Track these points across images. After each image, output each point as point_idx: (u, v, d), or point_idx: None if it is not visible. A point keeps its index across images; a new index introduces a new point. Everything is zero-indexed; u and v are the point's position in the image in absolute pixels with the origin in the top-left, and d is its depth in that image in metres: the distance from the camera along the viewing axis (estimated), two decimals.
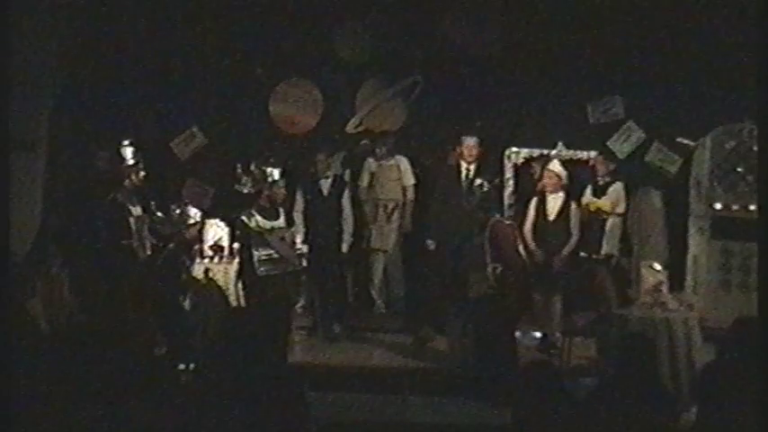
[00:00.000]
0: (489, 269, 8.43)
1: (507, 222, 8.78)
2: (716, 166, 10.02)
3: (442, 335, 9.22)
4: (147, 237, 8.53)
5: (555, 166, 9.52)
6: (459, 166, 9.85)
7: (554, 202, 9.42)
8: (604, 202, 9.79)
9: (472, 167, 9.74)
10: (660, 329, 8.09)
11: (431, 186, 10.35)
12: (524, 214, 9.60)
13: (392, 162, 10.48)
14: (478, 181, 9.10)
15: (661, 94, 10.72)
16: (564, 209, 9.39)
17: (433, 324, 9.58)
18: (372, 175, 10.61)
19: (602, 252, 9.58)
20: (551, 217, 9.39)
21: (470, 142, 9.80)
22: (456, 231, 9.37)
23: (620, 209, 9.95)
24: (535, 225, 9.42)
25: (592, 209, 9.66)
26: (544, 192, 9.48)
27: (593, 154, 10.56)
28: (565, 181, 9.49)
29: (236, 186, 9.85)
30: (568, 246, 9.31)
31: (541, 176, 9.61)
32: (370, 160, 10.63)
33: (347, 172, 10.77)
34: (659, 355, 7.48)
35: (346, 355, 9.24)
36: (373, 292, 10.63)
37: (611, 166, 10.15)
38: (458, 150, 9.94)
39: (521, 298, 8.70)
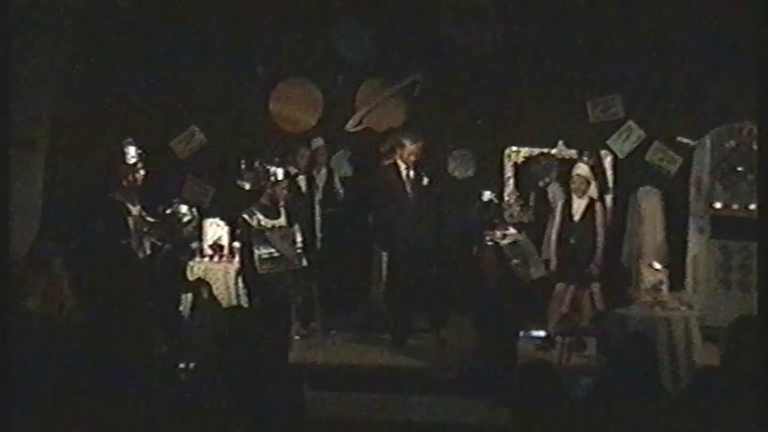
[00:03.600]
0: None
1: (492, 245, 8.74)
2: (716, 165, 10.03)
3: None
4: (147, 236, 8.51)
5: (582, 170, 9.51)
6: (397, 166, 9.79)
7: (579, 204, 9.43)
8: None
9: (411, 168, 9.71)
10: (660, 329, 8.11)
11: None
12: (551, 218, 9.64)
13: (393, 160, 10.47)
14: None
15: (661, 93, 10.73)
16: (588, 209, 9.39)
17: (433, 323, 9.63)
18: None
19: None
20: (576, 218, 9.41)
21: (411, 146, 9.70)
22: (407, 231, 9.53)
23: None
24: (561, 227, 9.45)
25: None
26: (571, 195, 9.51)
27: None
28: (592, 183, 9.51)
29: (238, 182, 9.85)
30: (599, 247, 9.32)
31: (568, 180, 9.66)
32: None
33: (323, 168, 10.79)
34: (659, 354, 7.48)
35: (346, 354, 9.24)
36: (373, 291, 10.63)
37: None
38: (398, 152, 9.82)
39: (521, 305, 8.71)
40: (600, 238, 9.36)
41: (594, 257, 9.32)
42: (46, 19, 9.88)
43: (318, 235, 10.11)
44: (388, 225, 9.77)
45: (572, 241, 9.36)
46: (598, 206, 9.48)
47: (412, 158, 9.69)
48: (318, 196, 10.38)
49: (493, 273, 8.41)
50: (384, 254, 10.19)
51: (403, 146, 9.72)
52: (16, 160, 6.82)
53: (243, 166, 9.59)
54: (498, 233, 8.53)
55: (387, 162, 10.13)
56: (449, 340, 8.85)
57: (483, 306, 8.37)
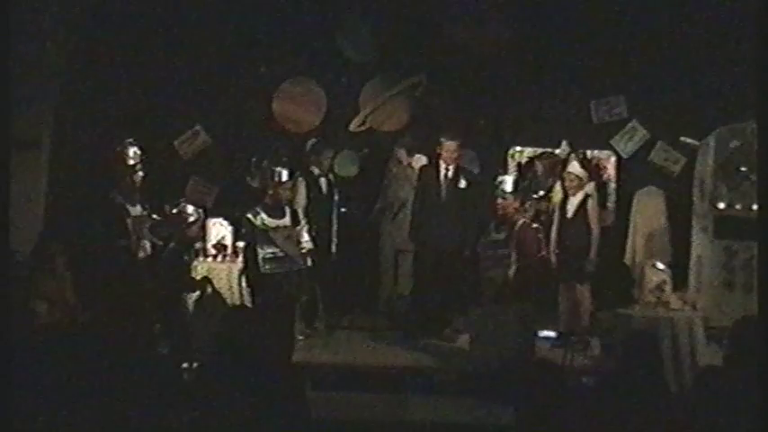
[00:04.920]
0: (511, 270, 8.47)
1: (534, 226, 8.78)
2: (719, 165, 10.00)
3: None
4: (147, 236, 8.51)
5: (574, 168, 9.51)
6: (438, 166, 9.69)
7: (573, 201, 9.43)
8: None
9: (451, 168, 9.62)
10: (663, 329, 8.10)
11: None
12: (549, 216, 9.64)
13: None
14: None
15: (665, 93, 10.74)
16: (581, 207, 9.39)
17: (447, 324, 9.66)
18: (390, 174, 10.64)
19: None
20: (569, 215, 9.40)
21: (451, 145, 9.58)
22: (438, 231, 9.49)
23: None
24: (559, 225, 9.45)
25: None
26: (567, 193, 9.51)
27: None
28: (585, 180, 9.50)
29: (247, 179, 9.81)
30: (593, 245, 9.30)
31: (561, 178, 9.65)
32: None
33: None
34: (662, 354, 7.47)
35: (346, 354, 9.24)
36: (380, 291, 10.65)
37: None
38: (439, 151, 9.71)
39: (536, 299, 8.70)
40: (594, 236, 9.33)
41: (588, 255, 9.29)
42: (47, 18, 9.89)
43: (333, 237, 10.06)
44: (421, 224, 9.71)
45: (566, 240, 9.35)
46: (590, 203, 9.44)
47: (453, 157, 9.57)
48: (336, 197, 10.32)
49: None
50: (409, 253, 10.20)
51: (442, 144, 9.57)
52: (18, 160, 6.84)
53: (253, 164, 9.58)
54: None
55: (426, 162, 10.13)
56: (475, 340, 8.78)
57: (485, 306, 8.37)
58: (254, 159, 9.90)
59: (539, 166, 10.51)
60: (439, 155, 9.63)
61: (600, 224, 9.45)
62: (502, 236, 8.70)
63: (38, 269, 8.14)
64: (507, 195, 8.81)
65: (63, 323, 7.82)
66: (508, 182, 8.81)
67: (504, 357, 8.02)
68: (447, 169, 9.60)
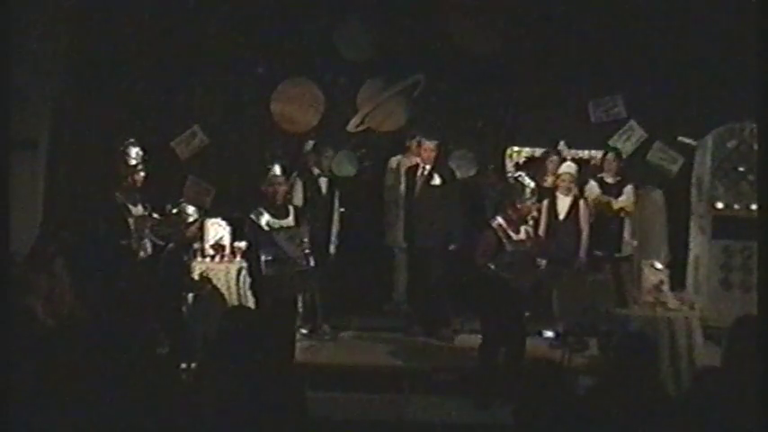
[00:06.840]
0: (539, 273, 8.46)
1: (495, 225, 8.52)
2: (717, 165, 10.01)
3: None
4: (148, 236, 8.51)
5: (569, 167, 9.50)
6: (416, 166, 9.88)
7: (564, 202, 9.42)
8: (627, 202, 9.79)
9: (428, 167, 9.74)
10: (661, 328, 8.11)
11: None
12: (537, 216, 9.61)
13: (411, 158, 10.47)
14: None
15: (662, 93, 10.73)
16: (573, 208, 9.38)
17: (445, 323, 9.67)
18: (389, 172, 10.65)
19: (624, 253, 9.60)
20: (561, 216, 9.39)
21: (429, 145, 9.71)
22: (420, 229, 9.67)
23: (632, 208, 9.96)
24: (547, 225, 9.43)
25: (615, 208, 9.66)
26: (555, 192, 9.49)
27: (597, 153, 10.61)
28: (576, 181, 9.50)
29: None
30: (583, 246, 9.30)
31: (555, 177, 9.63)
32: (396, 158, 10.64)
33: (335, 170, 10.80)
34: (660, 354, 7.49)
35: (346, 354, 9.24)
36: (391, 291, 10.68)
37: (620, 165, 10.19)
38: (416, 151, 10.00)
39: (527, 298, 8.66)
40: (584, 236, 9.34)
41: (579, 255, 9.28)
42: (47, 18, 9.89)
43: (333, 238, 10.05)
44: (402, 224, 9.93)
45: (558, 240, 9.34)
46: (582, 204, 9.44)
47: (431, 156, 9.70)
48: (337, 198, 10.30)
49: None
50: (398, 252, 10.34)
51: (421, 144, 9.77)
52: (17, 160, 6.83)
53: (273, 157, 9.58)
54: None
55: (405, 160, 10.29)
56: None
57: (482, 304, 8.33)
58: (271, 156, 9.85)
59: (529, 166, 10.50)
60: (419, 154, 9.83)
61: (589, 224, 9.45)
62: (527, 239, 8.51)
63: (35, 269, 8.14)
64: (527, 198, 8.50)
65: (61, 323, 7.81)
66: (530, 184, 8.47)
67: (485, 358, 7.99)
68: (424, 168, 9.73)
